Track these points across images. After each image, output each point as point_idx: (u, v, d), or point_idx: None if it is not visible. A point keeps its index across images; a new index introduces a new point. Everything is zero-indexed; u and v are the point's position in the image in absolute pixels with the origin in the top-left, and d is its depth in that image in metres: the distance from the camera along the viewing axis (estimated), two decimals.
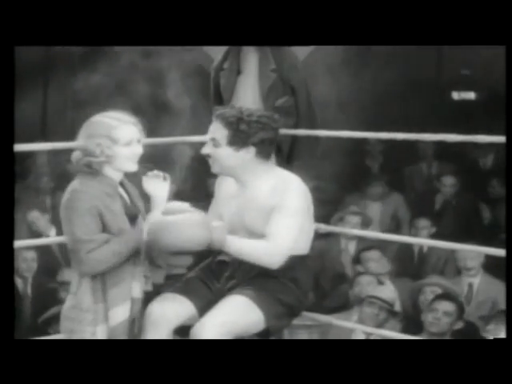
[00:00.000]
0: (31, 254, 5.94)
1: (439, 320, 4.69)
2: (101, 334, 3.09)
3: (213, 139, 3.25)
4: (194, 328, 3.11)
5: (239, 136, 3.20)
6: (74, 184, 3.10)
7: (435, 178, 7.39)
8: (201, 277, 3.32)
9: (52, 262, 6.19)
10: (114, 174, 3.13)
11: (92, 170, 3.09)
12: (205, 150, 3.27)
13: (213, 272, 3.32)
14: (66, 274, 5.53)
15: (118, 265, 3.08)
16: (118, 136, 3.09)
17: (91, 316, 3.08)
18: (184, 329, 3.24)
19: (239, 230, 3.25)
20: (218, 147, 3.23)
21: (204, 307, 3.22)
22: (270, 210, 3.18)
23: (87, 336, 3.06)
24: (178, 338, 3.21)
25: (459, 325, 4.77)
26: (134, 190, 3.25)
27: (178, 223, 3.06)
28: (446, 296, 4.91)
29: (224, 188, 3.38)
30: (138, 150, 3.14)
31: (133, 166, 3.15)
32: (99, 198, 3.06)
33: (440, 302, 4.78)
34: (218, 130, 3.24)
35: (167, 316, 3.14)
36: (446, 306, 4.73)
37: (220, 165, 3.25)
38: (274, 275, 3.22)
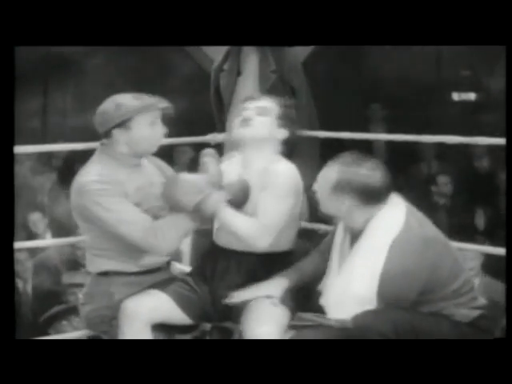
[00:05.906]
0: (27, 255, 5.95)
1: None
2: None
3: (261, 108, 3.20)
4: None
5: (288, 116, 3.23)
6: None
7: (432, 177, 7.38)
8: (184, 278, 3.30)
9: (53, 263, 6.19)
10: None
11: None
12: (247, 115, 3.19)
13: (202, 275, 3.30)
14: (73, 276, 5.52)
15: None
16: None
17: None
18: (166, 326, 3.22)
19: None
20: (263, 115, 3.20)
21: (186, 305, 3.21)
22: (259, 190, 3.16)
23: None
24: (161, 334, 3.18)
25: None
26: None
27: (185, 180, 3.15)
28: None
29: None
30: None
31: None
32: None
33: None
34: (269, 103, 3.22)
35: (141, 311, 3.12)
36: None
37: (252, 136, 3.18)
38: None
